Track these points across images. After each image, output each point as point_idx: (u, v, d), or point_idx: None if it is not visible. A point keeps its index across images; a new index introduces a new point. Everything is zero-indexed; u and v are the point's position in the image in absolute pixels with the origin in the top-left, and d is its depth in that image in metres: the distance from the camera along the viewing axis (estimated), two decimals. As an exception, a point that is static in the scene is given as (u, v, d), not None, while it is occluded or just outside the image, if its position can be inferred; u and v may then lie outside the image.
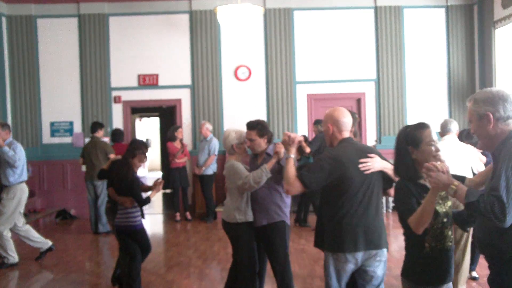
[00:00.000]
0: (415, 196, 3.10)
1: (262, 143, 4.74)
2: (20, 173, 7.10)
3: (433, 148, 3.17)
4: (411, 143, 3.19)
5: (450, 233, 3.15)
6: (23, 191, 7.19)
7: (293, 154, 3.78)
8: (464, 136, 6.11)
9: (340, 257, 3.61)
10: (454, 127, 5.90)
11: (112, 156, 8.73)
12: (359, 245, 3.59)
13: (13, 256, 7.11)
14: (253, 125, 4.76)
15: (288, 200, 4.83)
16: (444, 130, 5.92)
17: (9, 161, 6.90)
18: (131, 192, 5.46)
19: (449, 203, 3.16)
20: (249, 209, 4.77)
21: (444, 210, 3.12)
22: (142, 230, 5.66)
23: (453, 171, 5.76)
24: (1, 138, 6.89)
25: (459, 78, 11.26)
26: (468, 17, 11.24)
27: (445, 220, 3.12)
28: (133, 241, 5.54)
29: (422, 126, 3.22)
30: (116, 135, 9.79)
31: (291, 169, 3.61)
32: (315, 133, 9.26)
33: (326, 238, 3.68)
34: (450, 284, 3.22)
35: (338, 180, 3.55)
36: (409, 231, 3.14)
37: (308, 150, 8.76)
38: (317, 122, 9.26)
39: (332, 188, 3.60)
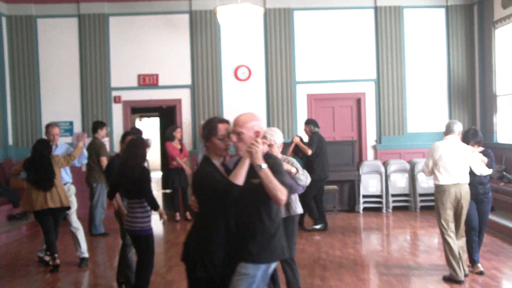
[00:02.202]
0: None
1: None
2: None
3: None
4: None
5: None
6: None
7: (264, 163, 3.37)
8: (470, 135, 6.27)
9: (270, 266, 3.53)
10: (457, 128, 6.12)
11: (104, 159, 8.77)
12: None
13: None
14: None
15: None
16: (447, 130, 6.16)
17: (82, 161, 7.64)
18: (144, 189, 5.18)
19: None
20: None
21: None
22: (146, 238, 5.31)
23: (452, 170, 6.00)
24: (84, 140, 7.29)
25: (459, 78, 11.26)
26: (468, 17, 11.24)
27: None
28: (138, 247, 5.30)
29: None
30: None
31: (274, 178, 3.35)
32: (307, 133, 9.17)
33: (258, 248, 3.43)
34: None
35: None
36: None
37: (309, 151, 8.69)
38: (308, 122, 9.19)
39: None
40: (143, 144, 5.41)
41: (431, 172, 6.11)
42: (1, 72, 10.75)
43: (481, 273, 6.17)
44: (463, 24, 11.24)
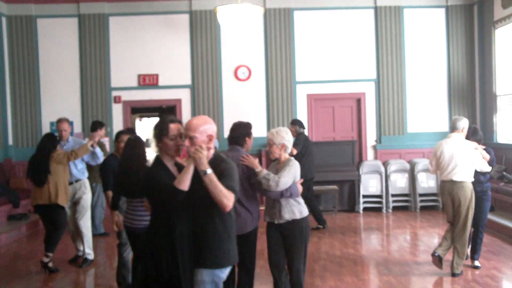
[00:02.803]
0: None
1: None
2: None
3: None
4: None
5: None
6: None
7: (209, 169, 3.33)
8: (470, 133, 6.40)
9: (224, 271, 3.51)
10: (461, 124, 6.26)
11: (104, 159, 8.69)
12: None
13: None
14: None
15: None
16: (452, 127, 6.34)
17: (96, 161, 7.20)
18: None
19: None
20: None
21: None
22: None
23: (449, 167, 6.11)
24: (95, 139, 7.03)
25: (459, 78, 11.26)
26: (468, 17, 11.25)
27: None
28: (135, 244, 5.23)
29: None
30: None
31: (220, 184, 3.31)
32: (292, 134, 9.05)
33: (211, 253, 3.43)
34: None
35: None
36: None
37: (295, 151, 8.61)
38: (294, 122, 9.14)
39: None
40: (142, 144, 5.34)
41: (435, 171, 6.37)
42: (1, 72, 10.75)
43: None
44: (463, 24, 11.25)
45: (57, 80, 11.13)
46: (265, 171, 4.63)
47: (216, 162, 3.43)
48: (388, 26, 11.19)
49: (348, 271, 6.55)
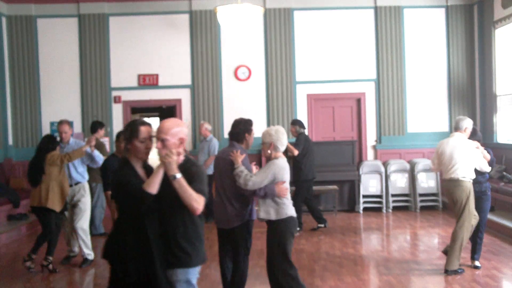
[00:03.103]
0: None
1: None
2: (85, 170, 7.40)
3: None
4: None
5: None
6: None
7: (179, 173, 3.35)
8: (470, 133, 6.41)
9: (196, 270, 3.55)
10: (464, 124, 6.35)
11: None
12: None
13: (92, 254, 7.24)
14: None
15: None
16: (454, 127, 6.47)
17: (95, 164, 7.15)
18: None
19: None
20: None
21: None
22: None
23: (448, 165, 6.18)
24: (92, 143, 6.94)
25: (459, 78, 11.26)
26: (468, 17, 11.24)
27: None
28: None
29: None
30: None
31: (190, 188, 3.34)
32: (293, 134, 9.05)
33: (182, 252, 3.46)
34: None
35: None
36: None
37: (296, 152, 8.60)
38: (295, 123, 9.10)
39: None
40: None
41: (437, 169, 6.55)
42: (1, 72, 10.75)
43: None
44: (463, 24, 11.25)
45: (57, 80, 11.13)
46: (240, 168, 4.66)
47: (186, 166, 3.46)
48: (388, 26, 11.19)
49: (348, 271, 6.55)
